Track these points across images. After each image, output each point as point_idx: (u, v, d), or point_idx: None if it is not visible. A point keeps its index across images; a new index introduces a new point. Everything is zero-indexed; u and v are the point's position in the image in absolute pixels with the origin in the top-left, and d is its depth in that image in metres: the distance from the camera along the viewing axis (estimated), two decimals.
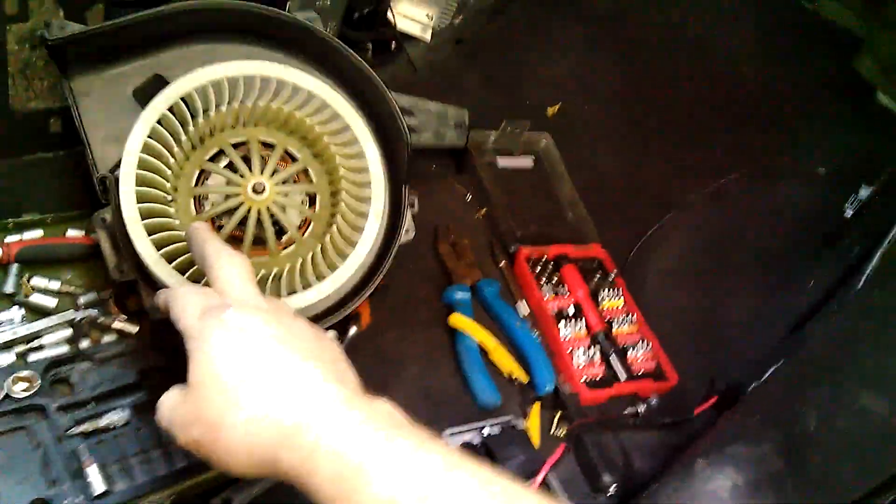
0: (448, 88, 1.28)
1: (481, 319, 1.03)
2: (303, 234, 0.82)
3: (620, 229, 1.21)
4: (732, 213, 1.15)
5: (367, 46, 1.24)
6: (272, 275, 0.78)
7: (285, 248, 0.82)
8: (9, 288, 0.78)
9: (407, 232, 0.87)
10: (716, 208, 1.17)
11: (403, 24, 1.27)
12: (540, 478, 0.88)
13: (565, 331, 1.07)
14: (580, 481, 0.95)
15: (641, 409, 1.04)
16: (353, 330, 0.93)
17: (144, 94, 0.80)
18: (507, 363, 1.01)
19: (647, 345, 1.10)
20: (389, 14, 1.25)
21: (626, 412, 1.04)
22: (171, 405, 0.58)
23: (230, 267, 0.62)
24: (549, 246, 1.14)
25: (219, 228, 0.79)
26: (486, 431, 0.91)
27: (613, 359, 1.07)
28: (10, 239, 0.80)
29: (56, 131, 0.89)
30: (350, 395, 0.54)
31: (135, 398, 0.76)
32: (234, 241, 0.80)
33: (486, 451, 0.89)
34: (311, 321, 0.79)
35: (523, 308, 1.09)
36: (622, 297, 1.14)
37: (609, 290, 1.14)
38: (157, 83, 0.81)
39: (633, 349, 1.09)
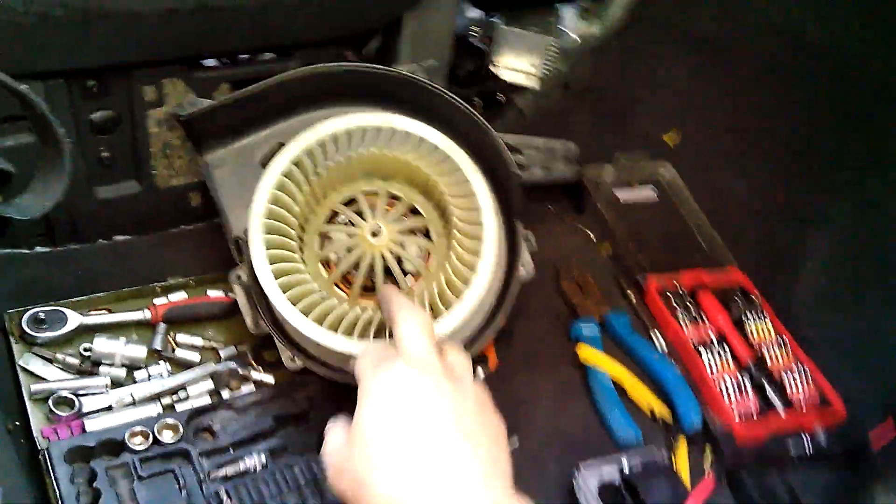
0: (559, 130, 1.29)
1: (613, 354, 0.98)
2: (427, 266, 0.83)
3: (758, 251, 1.13)
4: (878, 221, 1.04)
5: (475, 101, 1.27)
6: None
7: (415, 283, 0.83)
8: (157, 345, 0.84)
9: (525, 267, 0.86)
10: (860, 218, 1.06)
11: (508, 76, 1.30)
12: None
13: (709, 362, 1.00)
14: None
15: (807, 443, 0.94)
16: (480, 373, 0.92)
17: (269, 161, 0.86)
18: (646, 398, 0.95)
19: (805, 372, 1.00)
20: (493, 68, 1.29)
21: (788, 447, 0.94)
22: (333, 445, 0.58)
23: (409, 322, 0.63)
24: (680, 273, 1.09)
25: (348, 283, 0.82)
26: (626, 468, 0.85)
27: (768, 390, 0.98)
28: (157, 301, 0.87)
29: (196, 205, 0.98)
30: (500, 496, 0.53)
31: (271, 444, 0.78)
32: (367, 290, 0.82)
33: (628, 488, 0.83)
34: None
35: (659, 340, 1.03)
36: (769, 322, 1.05)
37: (754, 316, 1.06)
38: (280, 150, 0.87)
39: (789, 378, 0.99)
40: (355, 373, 0.61)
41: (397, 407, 0.56)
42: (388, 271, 0.81)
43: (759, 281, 1.10)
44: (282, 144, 0.88)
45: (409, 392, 0.56)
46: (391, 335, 0.64)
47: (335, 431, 0.59)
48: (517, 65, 1.31)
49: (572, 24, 1.36)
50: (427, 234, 0.85)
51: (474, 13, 1.32)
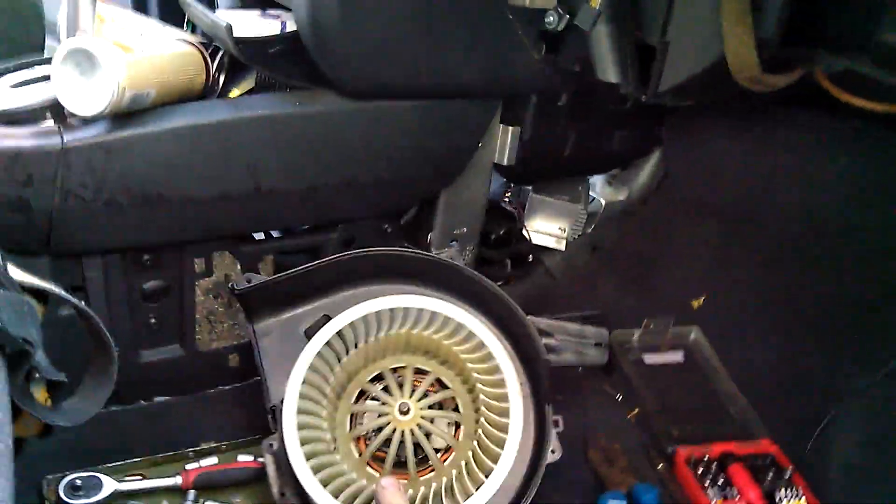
0: (586, 293, 1.32)
1: None
2: (444, 461, 0.85)
3: (789, 423, 1.12)
4: None
5: (504, 263, 1.33)
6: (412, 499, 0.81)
7: (427, 473, 0.84)
8: None
9: (553, 453, 0.86)
10: (891, 391, 1.06)
11: (538, 239, 1.36)
12: None
13: None
14: None
15: None
16: None
17: (314, 333, 0.89)
18: None
19: None
20: (524, 231, 1.35)
21: None
22: None
23: None
24: (711, 444, 1.08)
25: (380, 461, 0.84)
26: None
27: None
28: (189, 467, 0.89)
29: (234, 366, 1.02)
30: None
31: None
32: (378, 461, 0.84)
33: None
34: None
35: None
36: (803, 498, 1.02)
37: (787, 490, 1.03)
38: (325, 322, 0.90)
39: None
40: None
41: None
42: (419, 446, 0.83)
43: (792, 453, 1.08)
44: (326, 316, 0.93)
45: None
46: None
47: None
48: (546, 228, 1.37)
49: (601, 191, 1.43)
50: (455, 407, 0.87)
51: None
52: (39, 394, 0.56)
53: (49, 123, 0.80)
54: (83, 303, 0.60)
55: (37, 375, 0.54)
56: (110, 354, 0.60)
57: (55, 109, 0.80)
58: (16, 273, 0.53)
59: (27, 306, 0.51)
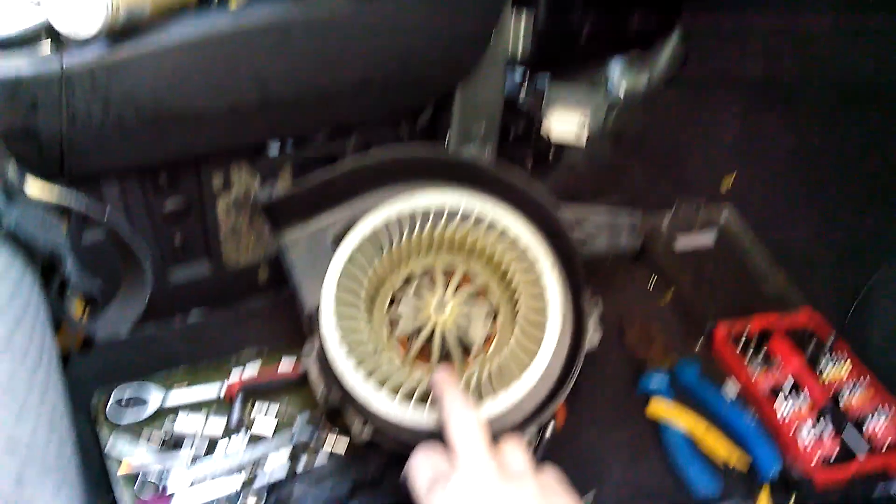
0: (611, 186, 1.30)
1: (684, 405, 0.97)
2: (487, 349, 0.85)
3: (830, 290, 1.10)
4: None
5: (525, 161, 1.30)
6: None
7: (471, 363, 0.85)
8: (234, 419, 0.88)
9: (592, 335, 0.86)
10: None
11: (558, 133, 1.32)
12: None
13: (784, 408, 0.97)
14: None
15: (892, 485, 0.90)
16: (549, 432, 0.92)
17: (340, 241, 0.89)
18: (721, 448, 0.93)
19: (889, 412, 0.96)
20: (544, 126, 1.31)
21: (871, 491, 0.90)
22: None
23: (461, 425, 0.64)
24: (749, 318, 1.07)
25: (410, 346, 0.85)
26: None
27: (848, 433, 0.95)
28: (232, 376, 0.91)
29: (263, 279, 1.03)
30: None
31: None
32: (425, 359, 0.85)
33: None
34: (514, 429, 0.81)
35: (731, 388, 1.01)
36: (847, 363, 1.02)
37: (830, 358, 1.02)
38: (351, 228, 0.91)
39: (871, 419, 0.95)
40: (410, 486, 0.63)
41: None
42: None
43: (834, 320, 1.07)
44: (352, 223, 0.92)
45: None
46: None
47: None
48: (567, 121, 1.33)
49: (619, 77, 1.38)
50: (495, 316, 0.87)
51: (521, 73, 1.36)
52: (75, 308, 0.56)
53: (46, 48, 0.78)
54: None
55: (69, 291, 0.54)
56: (141, 263, 0.60)
57: (50, 33, 0.78)
58: (36, 190, 0.52)
59: (49, 217, 0.51)
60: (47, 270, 0.52)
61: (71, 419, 0.48)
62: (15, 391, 0.37)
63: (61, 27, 0.75)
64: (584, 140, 1.33)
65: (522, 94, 1.35)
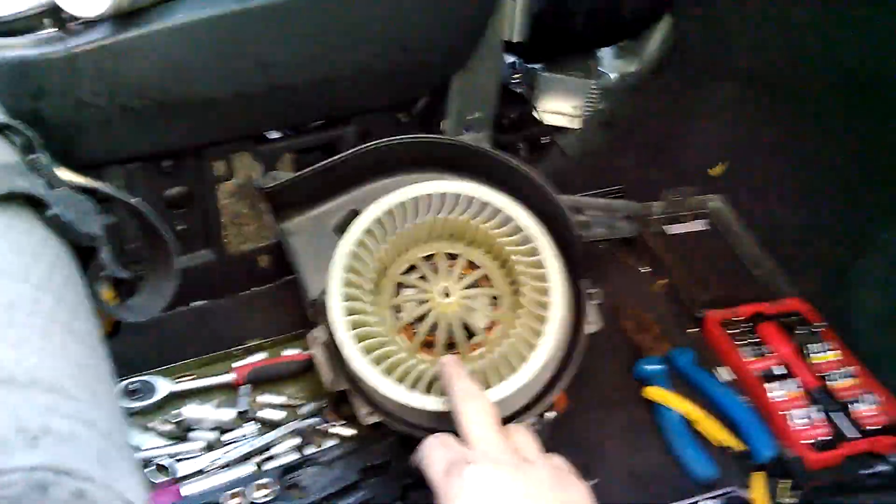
0: (604, 171, 1.31)
1: (679, 390, 0.99)
2: (490, 335, 0.86)
3: (817, 278, 1.13)
4: None
5: (520, 147, 1.31)
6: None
7: (476, 349, 0.86)
8: (242, 406, 0.88)
9: (591, 324, 0.88)
10: None
11: (551, 119, 1.33)
12: None
13: (776, 392, 1.00)
14: None
15: (881, 468, 0.93)
16: (551, 415, 0.93)
17: (342, 228, 0.89)
18: (716, 432, 0.96)
19: (875, 397, 1.00)
20: (536, 113, 1.32)
21: (862, 473, 0.93)
22: None
23: (472, 412, 0.65)
24: (740, 307, 1.09)
25: (415, 334, 0.85)
26: None
27: (838, 416, 0.98)
28: (239, 364, 0.91)
29: (264, 266, 1.02)
30: None
31: (358, 497, 0.80)
32: (429, 346, 0.86)
33: None
34: (509, 421, 0.82)
35: (724, 374, 1.04)
36: (836, 350, 1.05)
37: (818, 344, 1.06)
38: (352, 216, 0.89)
39: (858, 403, 0.99)
40: (424, 472, 0.64)
41: None
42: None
43: (822, 308, 1.10)
44: (353, 211, 0.92)
45: (490, 496, 0.58)
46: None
47: None
48: (559, 108, 1.35)
49: (611, 64, 1.39)
50: (497, 303, 0.88)
51: (513, 59, 1.36)
52: (104, 293, 0.56)
53: (50, 30, 0.77)
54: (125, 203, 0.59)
55: (102, 273, 0.54)
56: (168, 247, 0.60)
57: (53, 14, 0.77)
58: (65, 174, 0.52)
59: (86, 203, 0.50)
60: (83, 254, 0.51)
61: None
62: (86, 372, 0.38)
63: (67, 6, 0.74)
64: (577, 125, 1.34)
65: (516, 81, 1.36)
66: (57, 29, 0.76)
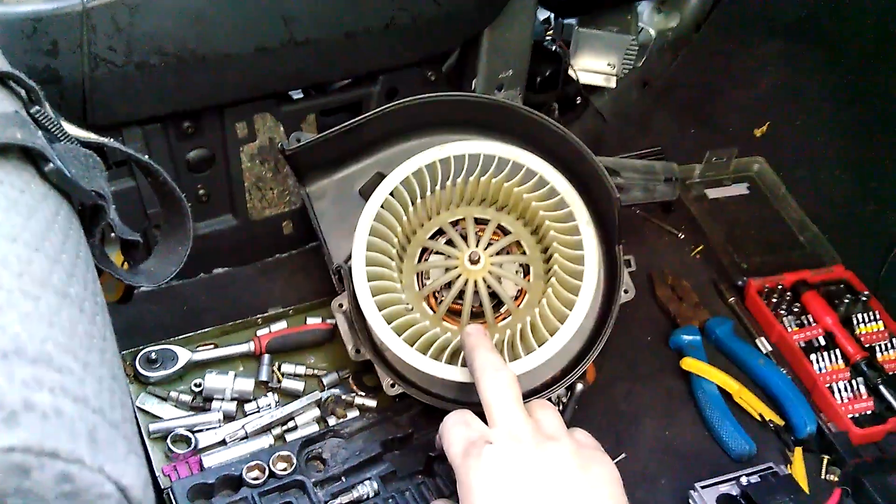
0: (640, 132, 1.26)
1: (716, 362, 0.95)
2: (518, 305, 0.83)
3: (864, 246, 1.08)
4: None
5: (553, 107, 1.26)
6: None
7: (503, 319, 0.83)
8: (263, 376, 0.86)
9: (626, 292, 0.84)
10: None
11: (586, 78, 1.28)
12: None
13: (819, 364, 0.96)
14: None
15: None
16: (579, 387, 0.91)
17: (368, 191, 0.86)
18: (755, 405, 0.92)
19: None
20: (570, 71, 1.26)
21: None
22: None
23: (494, 387, 0.63)
24: (782, 274, 1.05)
25: (440, 302, 0.82)
26: (744, 482, 0.82)
27: (883, 388, 0.94)
28: (260, 333, 0.89)
29: (288, 233, 1.00)
30: None
31: (380, 469, 0.78)
32: (454, 313, 0.83)
33: (747, 501, 0.80)
34: (537, 393, 0.79)
35: (764, 344, 0.99)
36: (880, 320, 1.00)
37: (864, 314, 1.01)
38: (378, 180, 0.86)
39: None
40: (445, 451, 0.62)
41: (496, 493, 0.56)
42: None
43: (867, 277, 1.05)
44: (379, 174, 0.89)
45: (509, 478, 0.56)
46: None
47: None
48: (594, 66, 1.28)
49: (650, 20, 1.32)
50: (527, 272, 0.84)
51: (547, 13, 1.30)
52: (115, 258, 0.53)
53: None
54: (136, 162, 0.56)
55: (112, 235, 0.51)
56: (182, 210, 0.57)
57: None
58: (73, 129, 0.49)
59: (92, 159, 0.47)
60: (89, 214, 0.48)
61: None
62: (79, 341, 0.34)
63: None
64: (613, 84, 1.28)
65: (550, 37, 1.30)
66: None
